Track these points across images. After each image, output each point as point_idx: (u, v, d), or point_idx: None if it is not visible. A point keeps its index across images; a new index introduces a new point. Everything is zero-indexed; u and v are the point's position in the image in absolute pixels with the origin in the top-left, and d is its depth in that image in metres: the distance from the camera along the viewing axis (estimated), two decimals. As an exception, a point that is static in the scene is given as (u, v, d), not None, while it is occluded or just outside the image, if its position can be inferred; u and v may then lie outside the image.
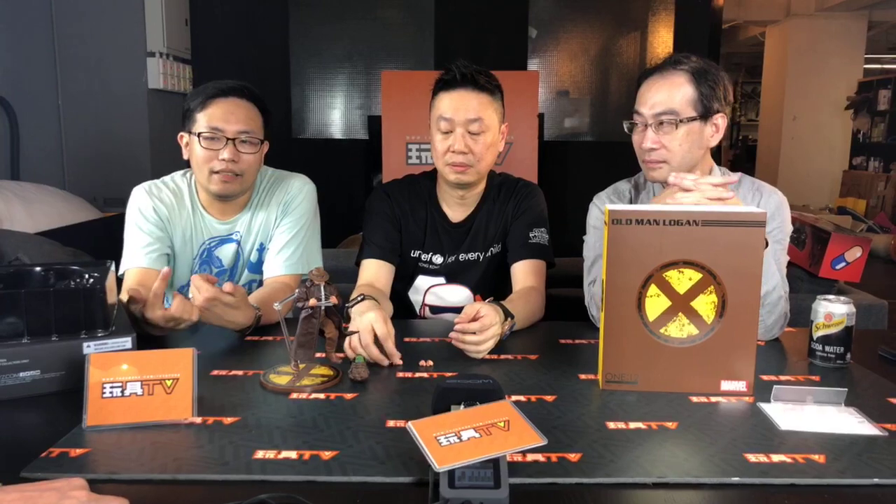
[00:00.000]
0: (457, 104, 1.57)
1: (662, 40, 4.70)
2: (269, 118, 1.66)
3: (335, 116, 4.75)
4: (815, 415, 1.04)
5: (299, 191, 1.71)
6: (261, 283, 1.70)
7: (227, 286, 1.33)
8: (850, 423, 1.02)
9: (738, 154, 12.44)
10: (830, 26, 8.77)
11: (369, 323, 1.26)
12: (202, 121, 1.57)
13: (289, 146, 4.45)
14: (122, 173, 3.78)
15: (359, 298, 1.38)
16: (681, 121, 1.43)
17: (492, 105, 1.59)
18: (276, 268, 1.67)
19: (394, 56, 4.69)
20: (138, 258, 1.60)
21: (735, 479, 0.85)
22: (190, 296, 1.36)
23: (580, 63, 4.77)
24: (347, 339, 1.26)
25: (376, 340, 1.25)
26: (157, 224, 1.63)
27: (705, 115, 1.44)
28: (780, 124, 9.16)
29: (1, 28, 3.63)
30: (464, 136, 1.56)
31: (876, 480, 0.86)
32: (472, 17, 4.54)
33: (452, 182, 1.62)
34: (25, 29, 3.73)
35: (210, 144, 1.56)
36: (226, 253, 1.69)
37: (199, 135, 1.56)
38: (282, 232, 1.68)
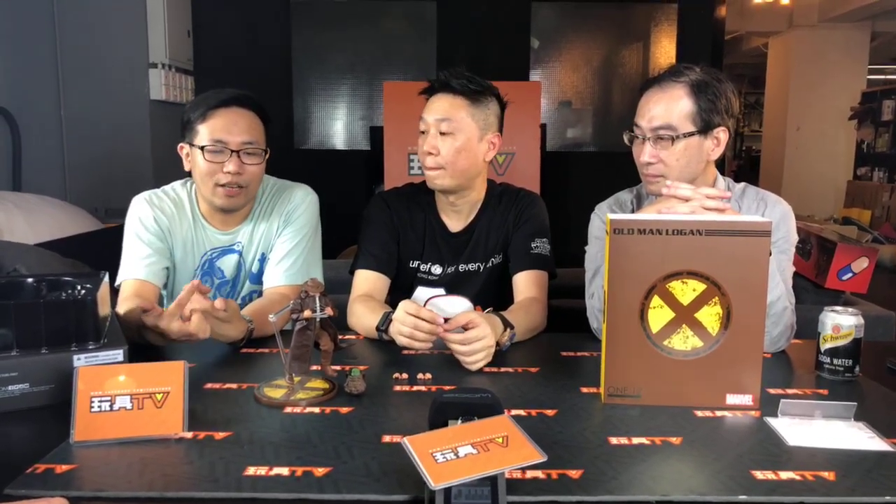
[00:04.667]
0: (432, 106, 1.60)
1: (665, 51, 4.70)
2: (269, 126, 1.64)
3: (337, 127, 4.75)
4: (823, 430, 1.01)
5: (301, 201, 1.69)
6: (262, 294, 1.68)
7: (219, 302, 1.31)
8: (859, 438, 0.99)
9: (741, 165, 12.43)
10: (833, 37, 8.76)
11: (402, 313, 1.31)
12: (204, 133, 1.54)
13: (291, 157, 4.45)
14: (123, 184, 3.76)
15: (388, 318, 1.42)
16: (678, 136, 1.41)
17: (468, 110, 1.58)
18: (276, 278, 1.64)
19: (396, 66, 4.69)
20: (136, 269, 1.57)
21: (742, 498, 0.82)
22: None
23: (582, 73, 4.76)
24: (397, 329, 1.33)
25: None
26: (157, 235, 1.61)
27: (705, 129, 1.41)
28: (784, 135, 9.14)
29: (3, 38, 3.65)
30: (434, 137, 1.58)
31: (888, 498, 0.83)
32: (473, 27, 4.55)
33: (429, 185, 1.64)
34: (28, 40, 3.74)
35: (214, 157, 1.53)
36: (228, 264, 1.67)
37: (202, 148, 1.53)
38: (283, 242, 1.66)
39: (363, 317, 1.51)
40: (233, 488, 0.83)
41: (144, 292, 1.54)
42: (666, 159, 1.42)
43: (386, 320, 1.42)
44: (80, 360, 1.09)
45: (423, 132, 1.61)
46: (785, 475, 0.88)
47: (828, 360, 1.25)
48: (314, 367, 1.21)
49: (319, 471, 0.88)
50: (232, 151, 1.53)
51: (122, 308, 1.46)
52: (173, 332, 1.28)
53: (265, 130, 1.62)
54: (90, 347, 1.12)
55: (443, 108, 1.58)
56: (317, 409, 1.09)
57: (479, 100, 1.60)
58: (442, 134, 1.57)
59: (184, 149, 1.60)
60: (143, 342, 1.36)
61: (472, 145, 1.60)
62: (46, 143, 3.81)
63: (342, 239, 3.62)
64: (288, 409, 1.08)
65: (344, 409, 1.09)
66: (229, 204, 1.58)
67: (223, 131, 1.53)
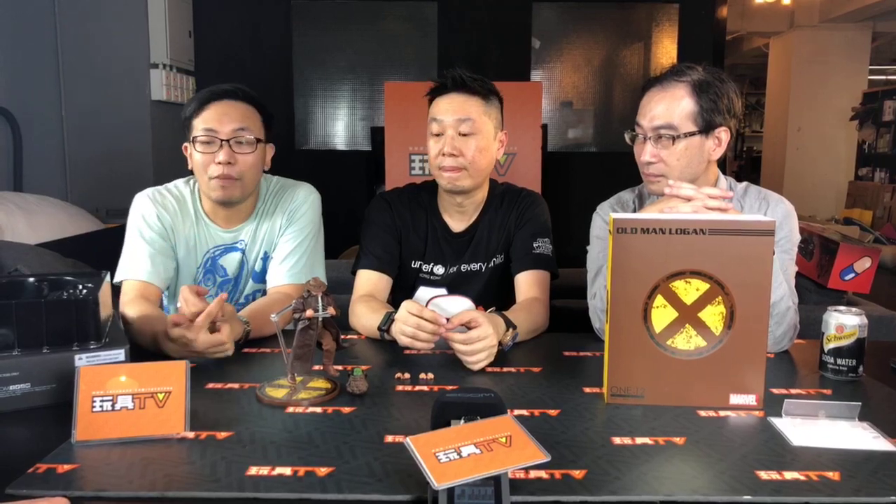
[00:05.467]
0: (447, 106, 1.57)
1: (666, 51, 4.70)
2: (270, 119, 1.64)
3: (338, 127, 4.75)
4: (827, 430, 1.01)
5: (304, 200, 1.69)
6: (265, 294, 1.68)
7: (218, 300, 1.30)
8: (864, 438, 0.98)
9: (742, 165, 12.42)
10: (834, 37, 8.76)
11: (405, 312, 1.31)
12: (198, 126, 1.55)
13: (292, 157, 4.45)
14: (124, 185, 3.75)
15: (390, 318, 1.42)
16: (679, 136, 1.40)
17: (483, 109, 1.58)
18: (279, 277, 1.64)
19: (397, 67, 4.69)
20: (139, 270, 1.56)
21: (747, 498, 0.82)
22: (178, 305, 1.33)
23: (583, 74, 4.76)
24: (400, 329, 1.33)
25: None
26: (160, 233, 1.60)
27: (706, 129, 1.41)
28: (785, 135, 9.13)
29: (4, 38, 3.65)
30: (454, 139, 1.55)
31: (893, 499, 0.83)
32: (475, 27, 4.55)
33: (446, 188, 1.61)
34: (29, 40, 3.74)
35: (205, 148, 1.54)
36: (230, 262, 1.67)
37: (194, 139, 1.55)
38: (286, 241, 1.66)
39: (365, 317, 1.51)
40: (235, 488, 0.83)
41: (147, 293, 1.54)
42: (667, 159, 1.42)
43: (388, 320, 1.42)
44: (81, 360, 1.09)
45: (437, 134, 1.58)
46: (789, 475, 0.87)
47: (831, 359, 1.25)
48: (316, 367, 1.21)
49: (322, 471, 0.87)
50: (222, 141, 1.53)
51: (130, 311, 1.44)
52: (200, 344, 1.25)
53: (264, 123, 1.61)
54: (91, 347, 1.12)
55: (461, 108, 1.56)
56: (319, 409, 1.08)
57: (489, 98, 1.60)
58: (462, 134, 1.56)
59: (187, 149, 1.60)
60: (157, 351, 1.30)
61: (490, 144, 1.59)
62: (47, 144, 3.81)
63: (343, 239, 3.62)
64: (290, 409, 1.08)
65: (346, 409, 1.08)
66: (224, 196, 1.57)
67: (214, 121, 1.54)
